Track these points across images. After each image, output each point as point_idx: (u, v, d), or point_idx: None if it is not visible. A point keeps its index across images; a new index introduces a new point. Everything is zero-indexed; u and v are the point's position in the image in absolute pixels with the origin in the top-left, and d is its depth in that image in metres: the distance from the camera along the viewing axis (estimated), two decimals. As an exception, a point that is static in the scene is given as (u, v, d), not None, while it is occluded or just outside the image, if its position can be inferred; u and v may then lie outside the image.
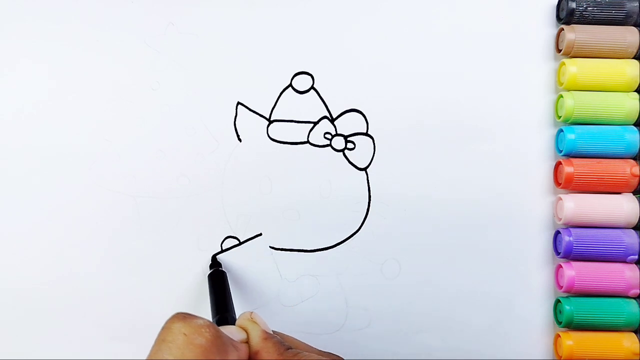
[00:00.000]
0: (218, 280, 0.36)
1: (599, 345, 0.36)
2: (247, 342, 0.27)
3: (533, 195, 0.38)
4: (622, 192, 0.38)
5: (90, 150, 0.39)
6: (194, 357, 0.22)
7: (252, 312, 0.28)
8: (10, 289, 0.39)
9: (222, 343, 0.24)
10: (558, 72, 0.39)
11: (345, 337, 0.38)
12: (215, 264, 0.38)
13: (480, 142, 0.39)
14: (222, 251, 0.38)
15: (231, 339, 0.25)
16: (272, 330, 0.29)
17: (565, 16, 0.38)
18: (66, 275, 0.39)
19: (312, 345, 0.29)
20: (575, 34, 0.37)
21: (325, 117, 0.39)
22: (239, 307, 0.38)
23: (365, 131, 0.39)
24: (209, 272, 0.37)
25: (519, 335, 0.38)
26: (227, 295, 0.34)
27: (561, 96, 0.38)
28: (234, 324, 0.28)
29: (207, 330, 0.23)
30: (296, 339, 0.29)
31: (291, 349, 0.26)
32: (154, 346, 0.23)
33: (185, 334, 0.23)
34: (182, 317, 0.24)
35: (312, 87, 0.39)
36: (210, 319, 0.30)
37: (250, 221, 0.39)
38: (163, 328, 0.23)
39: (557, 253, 0.38)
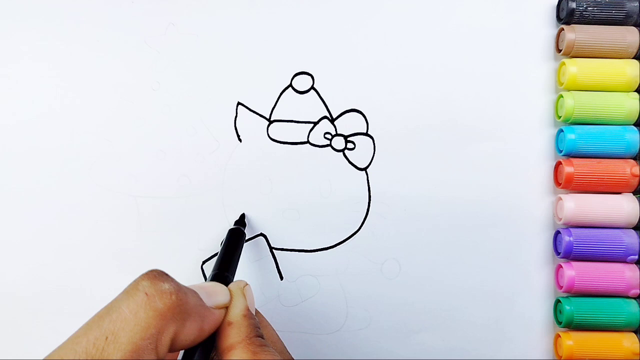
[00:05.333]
0: (235, 238, 0.35)
1: (599, 345, 0.36)
2: (226, 307, 0.26)
3: (533, 195, 0.38)
4: (622, 192, 0.37)
5: (90, 150, 0.39)
6: (147, 318, 0.22)
7: (246, 284, 0.28)
8: (10, 289, 0.39)
9: (182, 311, 0.23)
10: (558, 72, 0.39)
11: (345, 337, 0.38)
12: (240, 222, 0.37)
13: (480, 142, 0.39)
14: (222, 251, 0.39)
15: (201, 306, 0.25)
16: (262, 315, 0.29)
17: (565, 16, 0.38)
18: (66, 275, 0.39)
19: (289, 352, 0.28)
20: (575, 34, 0.37)
21: (325, 117, 0.39)
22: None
23: (365, 131, 0.39)
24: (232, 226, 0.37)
25: (519, 335, 0.38)
26: (236, 256, 0.33)
27: (561, 96, 0.38)
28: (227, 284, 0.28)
29: (169, 297, 0.23)
30: (277, 336, 0.29)
31: (262, 338, 0.26)
32: (119, 294, 0.23)
33: (146, 294, 0.23)
34: (152, 276, 0.24)
35: (312, 87, 0.39)
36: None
37: (250, 221, 0.39)
38: (134, 281, 0.24)
39: (557, 253, 0.38)
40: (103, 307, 0.23)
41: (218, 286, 0.27)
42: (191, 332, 0.24)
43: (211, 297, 0.26)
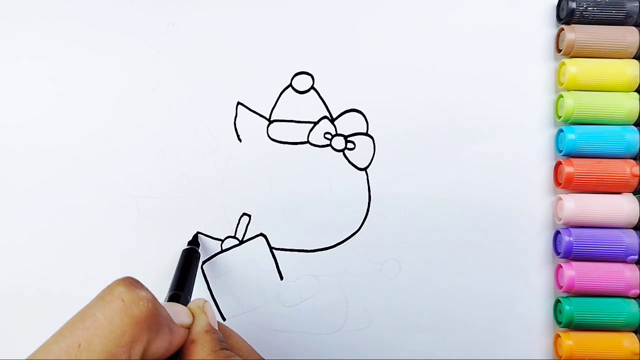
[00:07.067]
0: (188, 258, 0.35)
1: (599, 345, 0.36)
2: (188, 327, 0.26)
3: (533, 195, 0.38)
4: (622, 192, 0.37)
5: (90, 150, 0.39)
6: (123, 326, 0.22)
7: (205, 301, 0.28)
8: (9, 289, 0.39)
9: (157, 322, 0.23)
10: (558, 72, 0.39)
11: (345, 337, 0.38)
12: (194, 242, 0.38)
13: (481, 142, 0.39)
14: (222, 251, 0.39)
15: (170, 320, 0.25)
16: (224, 326, 0.29)
17: (565, 16, 0.38)
18: (66, 275, 0.39)
19: (257, 353, 0.28)
20: (575, 34, 0.37)
21: (325, 117, 0.39)
22: (239, 307, 0.38)
23: (365, 131, 0.39)
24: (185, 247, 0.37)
25: (519, 335, 0.38)
26: (190, 275, 0.33)
27: (561, 96, 0.38)
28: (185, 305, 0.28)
29: (146, 303, 0.23)
30: (243, 341, 0.29)
31: (227, 350, 0.26)
32: (92, 300, 0.23)
33: (123, 300, 0.22)
34: (128, 282, 0.23)
35: (312, 87, 0.39)
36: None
37: (249, 222, 0.39)
38: (107, 287, 0.23)
39: (557, 253, 0.38)
40: (76, 314, 0.22)
41: (179, 307, 0.27)
42: (162, 345, 0.23)
43: (176, 316, 0.26)
